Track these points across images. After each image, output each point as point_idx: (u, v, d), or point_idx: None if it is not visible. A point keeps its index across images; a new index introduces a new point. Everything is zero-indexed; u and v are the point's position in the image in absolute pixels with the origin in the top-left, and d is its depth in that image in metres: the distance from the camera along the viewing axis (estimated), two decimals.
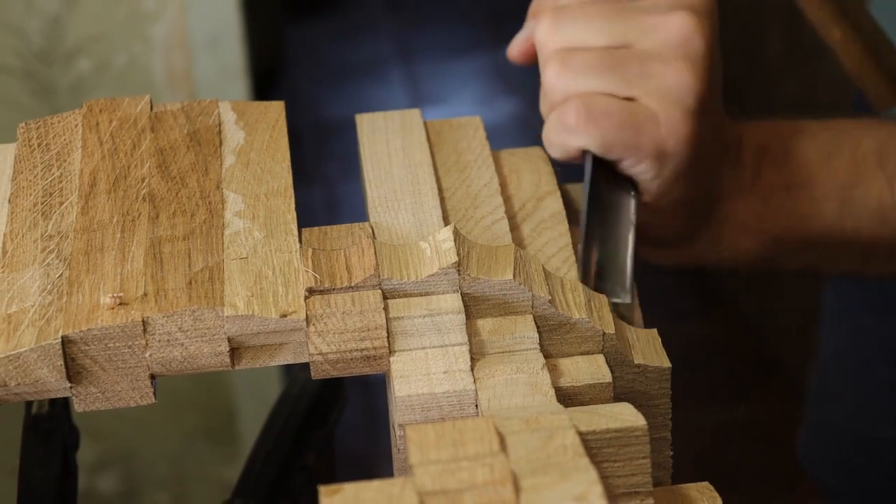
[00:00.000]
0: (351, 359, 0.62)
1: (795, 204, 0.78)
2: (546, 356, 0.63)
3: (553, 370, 0.63)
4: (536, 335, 0.63)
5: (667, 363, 0.65)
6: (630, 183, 0.73)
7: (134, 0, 1.65)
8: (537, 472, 0.53)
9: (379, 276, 0.63)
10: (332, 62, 3.02)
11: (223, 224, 0.66)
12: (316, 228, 0.67)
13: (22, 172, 0.69)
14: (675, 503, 0.60)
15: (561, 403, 0.60)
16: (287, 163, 0.69)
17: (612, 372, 0.63)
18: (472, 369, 0.61)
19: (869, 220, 0.79)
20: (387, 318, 0.62)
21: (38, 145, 0.71)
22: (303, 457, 0.83)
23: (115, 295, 0.61)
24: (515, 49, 0.76)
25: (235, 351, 0.62)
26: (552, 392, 0.60)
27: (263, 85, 2.72)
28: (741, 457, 2.17)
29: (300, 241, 0.65)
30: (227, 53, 1.70)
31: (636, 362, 0.65)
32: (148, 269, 0.63)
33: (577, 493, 0.52)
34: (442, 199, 0.70)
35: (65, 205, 0.67)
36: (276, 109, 0.73)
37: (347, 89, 2.94)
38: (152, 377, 0.62)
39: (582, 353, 0.64)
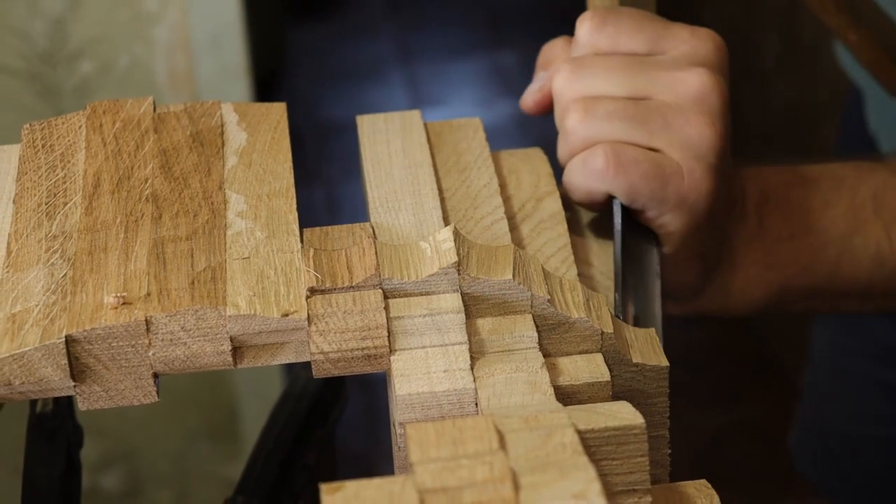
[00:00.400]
0: (352, 358, 0.62)
1: (798, 252, 0.79)
2: (545, 355, 0.63)
3: (552, 369, 0.63)
4: (535, 334, 0.63)
5: (665, 362, 0.65)
6: (652, 234, 0.73)
7: (136, 2, 1.65)
8: (536, 469, 0.53)
9: (380, 276, 0.63)
10: (333, 64, 3.02)
11: (225, 224, 0.66)
12: (317, 228, 0.67)
13: (26, 173, 0.69)
14: (673, 501, 0.61)
15: (560, 402, 0.60)
16: (289, 163, 0.69)
17: (610, 371, 0.63)
18: (472, 368, 0.61)
19: (867, 265, 0.80)
20: (387, 318, 0.62)
21: (43, 146, 0.71)
22: (304, 455, 0.83)
23: (118, 294, 0.61)
24: (529, 99, 0.76)
25: (237, 350, 0.62)
26: (551, 391, 0.61)
27: (265, 86, 2.73)
28: (739, 455, 2.17)
29: (302, 241, 0.65)
30: (228, 55, 1.70)
31: (634, 361, 0.65)
32: (151, 269, 0.63)
33: (576, 491, 0.52)
34: (442, 200, 0.70)
35: (69, 205, 0.67)
36: (277, 111, 0.73)
37: (348, 91, 2.94)
38: (155, 376, 0.62)
39: (581, 352, 0.64)
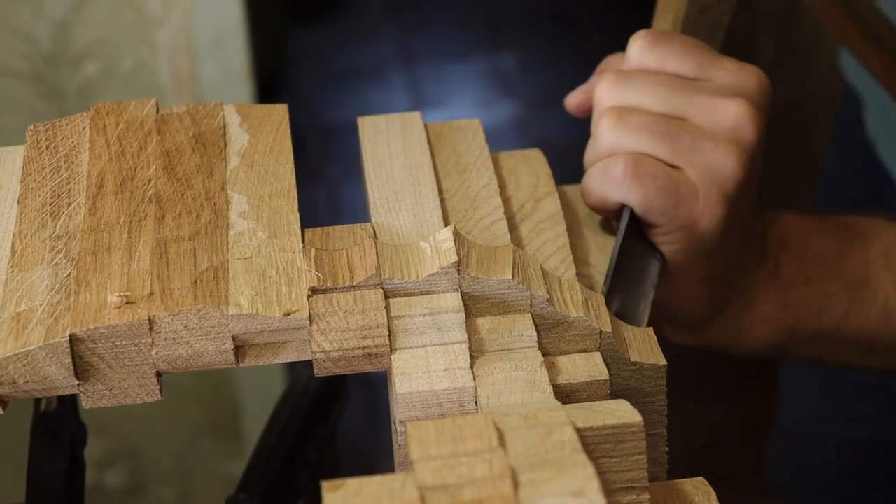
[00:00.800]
0: (353, 356, 0.62)
1: (810, 298, 0.80)
2: (544, 354, 0.63)
3: (551, 368, 0.63)
4: (535, 333, 0.63)
5: (662, 361, 0.66)
6: (658, 251, 0.73)
7: (140, 5, 1.65)
8: (535, 467, 0.53)
9: (380, 276, 0.63)
10: (334, 66, 3.02)
11: (228, 224, 0.66)
12: (319, 229, 0.67)
13: (31, 174, 0.69)
14: (671, 498, 0.61)
15: (559, 400, 0.60)
16: (290, 164, 0.69)
17: (608, 369, 0.63)
18: (472, 367, 0.61)
19: (875, 318, 0.81)
20: (388, 317, 0.62)
21: (47, 147, 0.71)
22: (306, 452, 0.83)
23: (121, 294, 0.61)
24: (573, 99, 0.77)
25: (240, 349, 0.62)
26: (550, 389, 0.61)
27: (267, 88, 2.72)
28: (736, 453, 2.17)
29: (303, 241, 0.65)
30: (231, 57, 1.70)
31: (632, 360, 0.65)
32: (154, 269, 0.63)
33: (575, 489, 0.52)
34: (442, 200, 0.70)
35: (73, 206, 0.67)
36: (279, 112, 0.73)
37: (349, 92, 2.94)
38: (158, 374, 0.62)
39: (579, 351, 0.64)
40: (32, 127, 0.72)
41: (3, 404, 0.61)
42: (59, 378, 0.60)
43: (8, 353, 0.60)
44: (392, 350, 0.62)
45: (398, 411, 0.61)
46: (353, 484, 0.53)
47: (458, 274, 0.63)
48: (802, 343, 0.82)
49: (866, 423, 1.23)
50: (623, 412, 0.57)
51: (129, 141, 0.70)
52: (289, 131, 0.72)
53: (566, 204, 0.74)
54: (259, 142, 0.71)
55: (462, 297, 0.63)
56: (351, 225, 0.67)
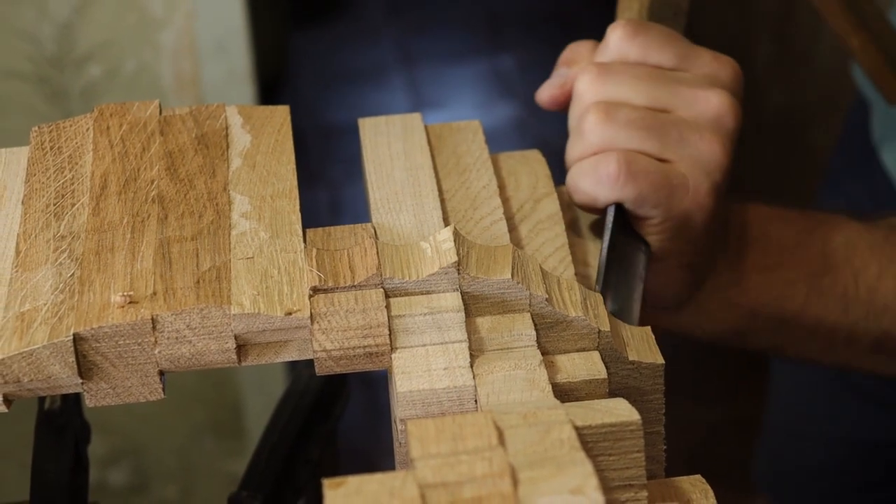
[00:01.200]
0: (354, 355, 0.62)
1: (770, 284, 0.81)
2: (543, 353, 0.63)
3: (550, 366, 0.63)
4: (534, 332, 0.63)
5: (660, 360, 0.66)
6: (643, 242, 0.73)
7: (143, 7, 1.65)
8: (535, 465, 0.53)
9: (381, 276, 0.63)
10: (335, 68, 3.02)
11: (230, 225, 0.66)
12: (320, 229, 0.67)
13: (35, 175, 0.69)
14: (669, 496, 0.61)
15: (557, 399, 0.60)
16: (292, 165, 0.69)
17: (607, 368, 0.63)
18: (472, 366, 0.61)
19: (833, 308, 0.82)
20: (389, 316, 0.62)
21: (51, 148, 0.71)
22: (307, 451, 0.83)
23: (125, 294, 0.61)
24: (546, 93, 0.77)
25: (242, 348, 0.62)
26: (549, 388, 0.61)
27: (269, 90, 2.73)
28: (728, 451, 2.17)
29: (305, 241, 0.65)
30: (233, 59, 1.70)
31: (630, 359, 0.65)
32: (157, 269, 0.63)
33: (574, 486, 0.52)
34: (442, 201, 0.70)
35: (76, 206, 0.67)
36: (281, 113, 0.73)
37: (350, 94, 2.94)
38: (161, 373, 0.62)
39: (578, 350, 0.64)
40: (37, 128, 0.72)
41: (8, 403, 0.61)
42: (62, 377, 0.61)
43: (12, 352, 0.60)
44: (392, 349, 0.62)
45: (399, 410, 0.61)
46: (353, 482, 0.53)
47: (458, 274, 0.63)
48: (764, 330, 0.82)
49: (854, 423, 1.23)
50: (621, 410, 0.58)
51: (132, 142, 0.70)
52: (290, 132, 0.72)
53: (565, 204, 0.74)
54: (261, 143, 0.71)
55: (462, 296, 0.63)
56: (352, 225, 0.67)
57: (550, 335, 0.64)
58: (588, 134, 0.71)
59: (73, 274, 0.63)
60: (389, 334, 0.62)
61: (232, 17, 1.68)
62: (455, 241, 0.64)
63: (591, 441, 0.56)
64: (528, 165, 0.75)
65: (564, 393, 0.62)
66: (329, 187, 2.69)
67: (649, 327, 0.68)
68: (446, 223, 0.68)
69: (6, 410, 0.61)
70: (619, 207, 0.71)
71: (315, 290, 0.62)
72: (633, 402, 0.59)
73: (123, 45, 1.67)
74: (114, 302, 0.61)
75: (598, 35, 0.77)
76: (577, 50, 0.77)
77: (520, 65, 2.93)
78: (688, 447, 2.15)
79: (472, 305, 0.64)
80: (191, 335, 0.61)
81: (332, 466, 0.85)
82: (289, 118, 0.72)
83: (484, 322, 0.63)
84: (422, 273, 0.63)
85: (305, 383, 0.84)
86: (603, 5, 3.02)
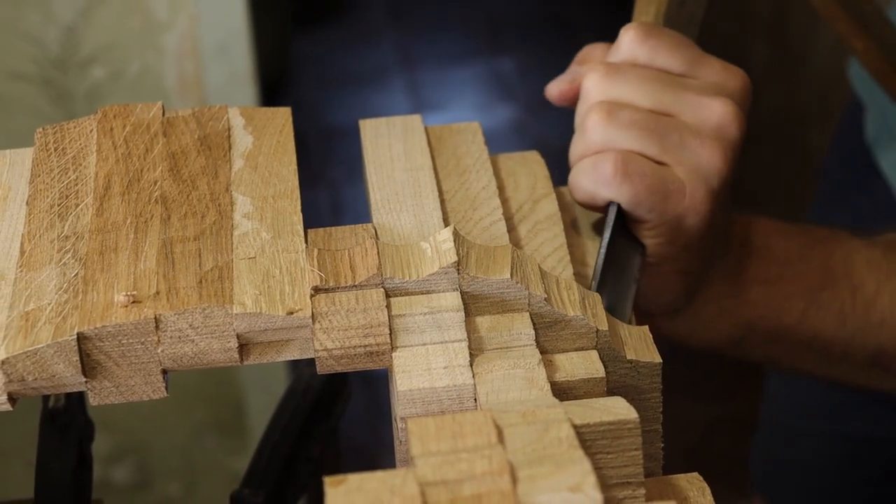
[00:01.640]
0: (355, 354, 0.62)
1: (769, 296, 0.81)
2: (542, 352, 0.63)
3: (549, 365, 0.63)
4: (533, 332, 0.63)
5: (658, 359, 0.65)
6: (639, 244, 0.73)
7: (147, 10, 1.65)
8: (533, 463, 0.53)
9: (382, 275, 0.63)
10: (336, 70, 3.02)
11: (232, 225, 0.66)
12: (321, 229, 0.67)
13: (39, 175, 0.69)
14: (666, 493, 0.60)
15: (556, 397, 0.60)
16: (293, 166, 0.69)
17: (605, 367, 0.63)
18: (471, 365, 0.61)
19: (830, 322, 0.82)
20: (389, 316, 0.62)
21: (55, 149, 0.71)
22: (309, 449, 0.83)
23: (128, 293, 0.61)
24: (556, 88, 0.76)
25: (244, 347, 0.62)
26: (548, 386, 0.60)
27: (271, 92, 2.72)
28: (731, 449, 2.17)
29: (306, 241, 0.65)
30: (236, 61, 1.69)
31: (628, 358, 0.65)
32: (160, 269, 0.63)
33: (572, 484, 0.52)
34: (442, 202, 0.70)
35: (80, 207, 0.67)
36: (283, 115, 0.73)
37: (351, 96, 2.94)
38: (164, 372, 0.62)
39: (576, 349, 0.64)
40: (41, 129, 0.72)
41: (13, 401, 0.61)
42: (66, 375, 0.60)
43: (17, 351, 0.60)
44: (393, 348, 0.62)
45: (399, 408, 0.61)
46: (354, 479, 0.53)
47: (458, 273, 0.63)
48: (760, 341, 0.83)
49: (849, 419, 1.23)
50: (619, 409, 0.57)
51: (135, 143, 0.70)
52: (292, 134, 0.72)
53: (563, 205, 0.74)
54: (263, 144, 0.71)
55: (462, 296, 0.63)
56: (353, 226, 0.67)
57: (549, 334, 0.64)
58: (590, 133, 0.72)
59: (76, 274, 0.63)
60: (390, 333, 0.62)
61: (234, 20, 1.68)
62: (455, 241, 0.64)
63: (589, 439, 0.56)
64: (527, 166, 0.75)
65: (563, 391, 0.62)
66: (330, 188, 2.69)
67: (647, 327, 0.68)
68: (446, 223, 0.68)
69: (11, 408, 0.61)
70: (620, 208, 0.71)
71: (316, 290, 0.62)
72: (630, 401, 0.59)
73: (127, 48, 1.67)
74: (117, 301, 0.61)
75: (595, 39, 0.77)
76: (591, 51, 0.77)
77: (519, 67, 2.93)
78: (685, 445, 2.15)
79: (472, 305, 0.64)
80: (193, 334, 0.61)
81: (333, 464, 0.85)
82: (290, 120, 0.72)
83: (483, 321, 0.63)
84: (422, 273, 0.63)
85: (307, 382, 0.84)
86: (601, 9, 3.02)
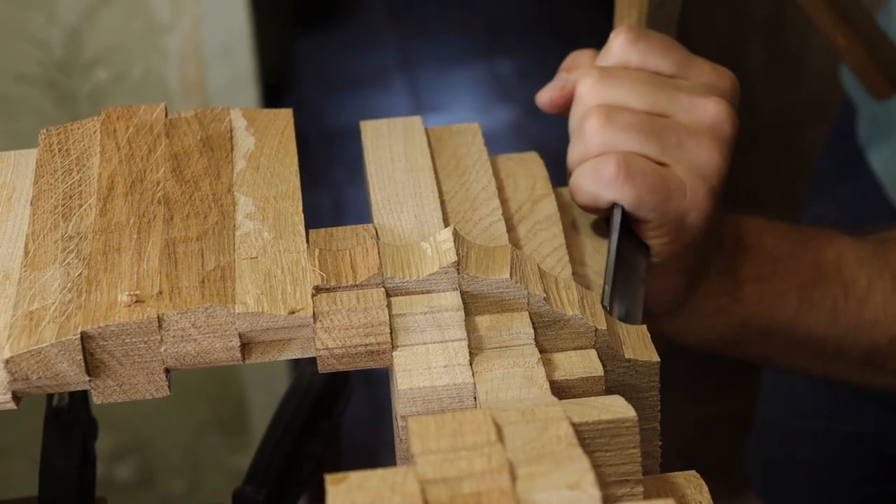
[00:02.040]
0: (356, 353, 0.62)
1: (762, 293, 0.81)
2: (541, 351, 0.63)
3: (548, 364, 0.63)
4: (532, 331, 0.63)
5: (656, 358, 0.65)
6: (644, 245, 0.73)
7: (150, 13, 1.65)
8: (533, 461, 0.53)
9: (382, 275, 0.63)
10: (337, 72, 3.02)
11: (234, 225, 0.66)
12: (322, 230, 0.67)
13: (43, 176, 0.69)
14: (664, 491, 0.60)
15: (555, 396, 0.60)
16: (295, 167, 0.69)
17: (603, 366, 0.63)
18: (471, 363, 0.61)
19: (823, 319, 0.82)
20: (390, 315, 0.62)
21: (59, 150, 0.71)
22: (310, 446, 0.83)
23: (131, 293, 0.61)
24: (546, 95, 0.76)
25: (246, 346, 0.62)
26: (547, 385, 0.60)
27: (273, 93, 2.72)
28: (728, 447, 2.17)
29: (307, 241, 0.65)
30: (238, 63, 1.70)
31: (627, 357, 0.65)
32: (163, 269, 0.63)
33: (571, 481, 0.52)
34: (442, 202, 0.70)
35: (84, 207, 0.67)
36: (284, 116, 0.73)
37: (352, 97, 2.94)
38: (167, 371, 0.62)
39: (575, 349, 0.64)
40: (45, 131, 0.72)
41: (17, 400, 0.61)
42: (70, 374, 0.60)
43: (21, 350, 0.60)
44: (393, 347, 0.62)
45: (399, 407, 0.61)
46: (355, 477, 0.53)
47: (458, 273, 0.63)
48: (755, 339, 0.83)
49: (845, 417, 1.23)
50: (618, 407, 0.57)
51: (138, 144, 0.70)
52: (293, 135, 0.72)
53: (562, 205, 0.74)
54: (265, 145, 0.71)
55: (461, 295, 0.63)
56: (354, 226, 0.67)
57: (548, 333, 0.64)
58: (589, 136, 0.72)
59: (80, 273, 0.63)
60: (390, 333, 0.62)
61: (237, 23, 1.68)
62: (455, 241, 0.64)
63: (588, 437, 0.56)
64: (527, 167, 0.75)
65: (562, 390, 0.62)
66: (331, 189, 2.69)
67: (645, 326, 0.68)
68: (446, 224, 0.68)
69: (15, 407, 0.61)
70: (624, 211, 0.71)
71: (318, 290, 0.62)
72: (629, 399, 0.59)
73: (130, 50, 1.67)
74: (120, 301, 0.61)
75: (593, 42, 0.77)
76: (579, 56, 0.77)
77: (518, 69, 2.93)
78: (684, 443, 2.15)
79: (472, 304, 0.64)
80: (196, 333, 0.61)
81: (334, 462, 0.85)
82: (292, 121, 0.72)
83: (483, 321, 0.63)
84: (422, 273, 0.63)
85: (308, 381, 0.84)
86: (599, 12, 3.02)
